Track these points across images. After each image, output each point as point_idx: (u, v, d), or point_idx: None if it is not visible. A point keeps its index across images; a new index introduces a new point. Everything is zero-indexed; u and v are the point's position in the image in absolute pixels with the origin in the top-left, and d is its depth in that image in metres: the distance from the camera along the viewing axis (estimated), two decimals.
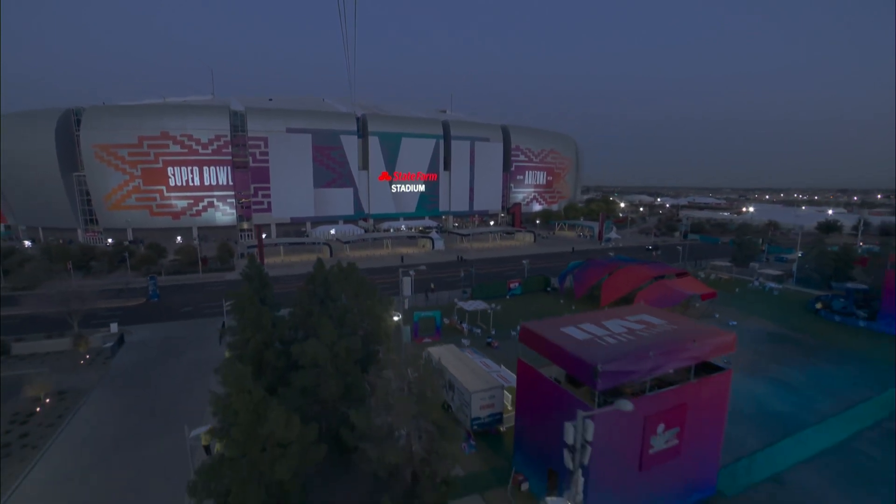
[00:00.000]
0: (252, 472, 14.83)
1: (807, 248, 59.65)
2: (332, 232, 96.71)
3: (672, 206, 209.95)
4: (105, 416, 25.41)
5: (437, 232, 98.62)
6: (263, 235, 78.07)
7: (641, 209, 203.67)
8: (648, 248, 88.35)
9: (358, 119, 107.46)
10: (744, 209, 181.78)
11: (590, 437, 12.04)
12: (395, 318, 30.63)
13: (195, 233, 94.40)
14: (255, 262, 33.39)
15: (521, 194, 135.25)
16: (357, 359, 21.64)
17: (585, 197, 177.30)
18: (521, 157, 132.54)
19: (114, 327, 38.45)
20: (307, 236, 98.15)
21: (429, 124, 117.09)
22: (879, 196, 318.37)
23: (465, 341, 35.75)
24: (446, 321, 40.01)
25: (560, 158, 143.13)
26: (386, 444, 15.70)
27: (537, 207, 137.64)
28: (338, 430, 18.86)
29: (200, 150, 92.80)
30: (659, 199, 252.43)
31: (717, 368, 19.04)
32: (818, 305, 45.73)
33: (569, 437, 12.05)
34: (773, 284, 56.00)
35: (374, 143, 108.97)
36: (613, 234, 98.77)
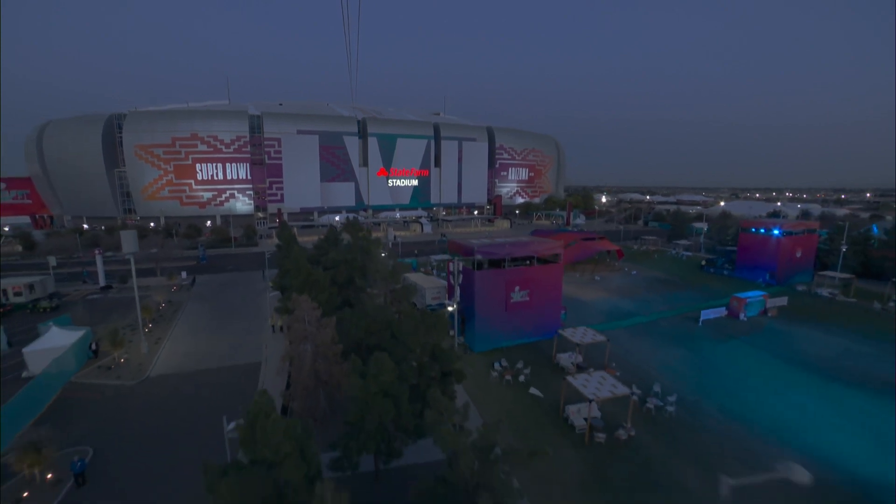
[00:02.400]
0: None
1: (711, 225, 74.94)
2: (337, 219, 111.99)
3: (656, 202, 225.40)
4: (199, 313, 40.84)
5: (426, 219, 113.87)
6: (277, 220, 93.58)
7: (629, 204, 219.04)
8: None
9: (359, 122, 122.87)
10: (721, 203, 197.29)
11: (460, 269, 27.28)
12: (383, 255, 45.83)
13: (219, 220, 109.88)
14: (286, 224, 48.94)
15: (506, 188, 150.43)
16: (359, 266, 36.89)
17: (565, 194, 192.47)
18: (505, 156, 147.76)
19: (184, 274, 53.92)
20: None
21: (421, 126, 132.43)
22: (868, 195, 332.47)
23: None
24: (421, 270, 55.31)
25: (542, 157, 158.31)
26: (375, 298, 31.02)
27: (520, 200, 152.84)
28: (346, 296, 34.22)
29: (224, 149, 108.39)
30: (649, 197, 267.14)
31: (553, 261, 34.23)
32: (703, 263, 60.95)
33: (451, 267, 27.33)
34: (685, 252, 71.19)
35: (372, 143, 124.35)
36: (580, 221, 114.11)
